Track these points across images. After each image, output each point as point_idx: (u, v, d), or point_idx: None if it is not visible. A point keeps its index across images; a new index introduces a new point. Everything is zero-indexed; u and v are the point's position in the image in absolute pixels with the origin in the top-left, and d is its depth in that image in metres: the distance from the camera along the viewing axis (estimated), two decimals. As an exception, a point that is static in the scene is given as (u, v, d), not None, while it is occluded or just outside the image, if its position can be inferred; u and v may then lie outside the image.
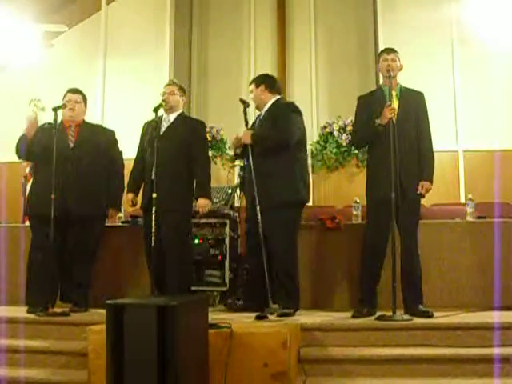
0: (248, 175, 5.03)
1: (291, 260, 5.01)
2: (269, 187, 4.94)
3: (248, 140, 5.02)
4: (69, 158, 5.21)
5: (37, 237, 5.25)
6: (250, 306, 5.01)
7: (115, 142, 5.60)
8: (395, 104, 4.86)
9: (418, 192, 4.89)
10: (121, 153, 5.59)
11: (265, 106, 5.26)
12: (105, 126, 6.31)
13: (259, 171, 4.92)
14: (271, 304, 4.69)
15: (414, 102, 5.04)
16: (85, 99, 5.54)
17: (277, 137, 5.03)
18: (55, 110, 5.12)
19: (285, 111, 5.17)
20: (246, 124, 5.16)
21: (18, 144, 5.32)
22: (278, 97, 5.33)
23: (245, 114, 5.15)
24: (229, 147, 8.84)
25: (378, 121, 4.80)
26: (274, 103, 5.26)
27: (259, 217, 4.79)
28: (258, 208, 4.81)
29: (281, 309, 4.73)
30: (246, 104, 5.16)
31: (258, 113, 5.38)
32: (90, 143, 5.37)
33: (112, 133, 5.65)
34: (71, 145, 5.32)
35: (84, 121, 5.53)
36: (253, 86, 5.32)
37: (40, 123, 5.35)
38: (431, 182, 4.93)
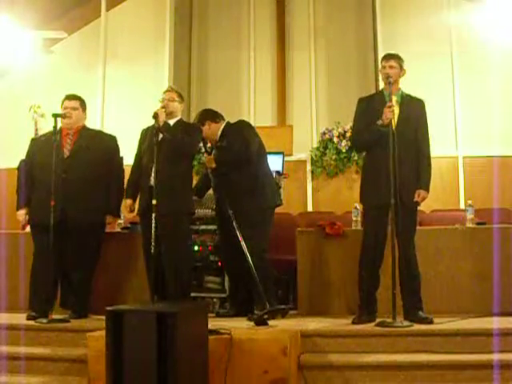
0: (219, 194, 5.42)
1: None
2: (241, 200, 5.28)
3: (213, 164, 5.34)
4: (64, 167, 5.18)
5: (37, 245, 5.27)
6: (235, 312, 5.33)
7: (116, 148, 5.57)
8: (395, 109, 4.86)
9: (415, 200, 4.89)
10: (121, 159, 5.57)
11: (217, 136, 5.53)
12: (104, 132, 6.29)
13: (228, 188, 5.30)
14: (268, 306, 4.77)
15: (414, 109, 5.04)
16: (82, 104, 5.50)
17: (238, 155, 5.37)
18: (55, 116, 5.13)
19: (235, 130, 5.52)
20: (206, 151, 5.53)
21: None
22: (225, 122, 5.62)
23: (204, 143, 5.53)
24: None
25: (379, 122, 4.80)
26: (223, 129, 5.54)
27: (237, 230, 5.08)
28: (234, 222, 5.12)
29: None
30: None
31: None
32: (87, 150, 5.33)
33: (113, 138, 5.61)
34: (67, 153, 5.29)
35: (84, 126, 5.52)
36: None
37: (40, 130, 5.35)
38: (427, 190, 4.92)
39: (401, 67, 5.03)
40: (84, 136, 5.43)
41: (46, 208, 4.93)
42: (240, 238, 5.03)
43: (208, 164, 5.41)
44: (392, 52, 5.18)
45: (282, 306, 4.87)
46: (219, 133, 5.52)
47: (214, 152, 5.48)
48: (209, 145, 5.57)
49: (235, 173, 5.32)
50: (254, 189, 5.36)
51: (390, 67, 4.99)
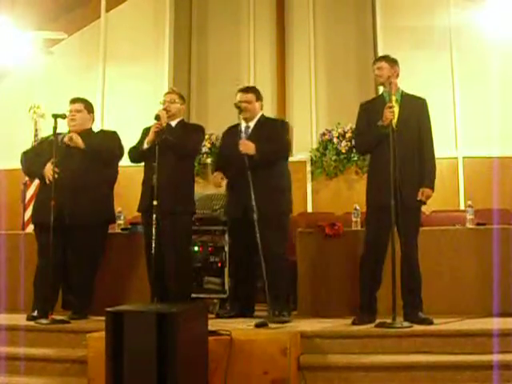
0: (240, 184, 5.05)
1: (287, 265, 5.19)
2: (271, 199, 5.06)
3: (252, 151, 5.05)
4: (66, 167, 5.19)
5: (40, 245, 5.26)
6: (235, 314, 5.23)
7: (114, 138, 5.53)
8: (396, 109, 4.87)
9: (419, 199, 4.90)
10: (122, 148, 5.52)
11: (254, 119, 5.37)
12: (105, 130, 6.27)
13: (259, 183, 4.93)
14: (271, 312, 4.70)
15: (415, 108, 5.05)
16: (88, 107, 5.51)
17: (279, 151, 5.27)
18: (55, 117, 5.14)
19: (280, 124, 5.51)
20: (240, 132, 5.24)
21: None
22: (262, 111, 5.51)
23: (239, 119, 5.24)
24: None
25: (379, 122, 4.81)
26: (260, 118, 5.42)
27: (256, 227, 4.80)
28: (255, 216, 4.81)
29: (277, 315, 4.76)
30: (241, 110, 5.22)
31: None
32: (89, 149, 5.33)
33: (112, 133, 5.61)
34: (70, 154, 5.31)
35: (90, 129, 5.53)
36: (252, 97, 5.37)
37: (40, 130, 5.36)
38: (432, 188, 4.93)
39: (391, 66, 5.05)
40: (86, 137, 5.40)
41: (47, 208, 4.95)
42: (257, 239, 4.81)
43: (244, 148, 5.03)
44: (382, 55, 5.27)
45: (287, 319, 4.80)
46: (256, 117, 5.39)
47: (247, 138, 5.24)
48: None
49: (267, 169, 5.14)
50: (284, 189, 5.30)
51: (378, 69, 5.08)
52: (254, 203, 4.80)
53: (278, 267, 5.03)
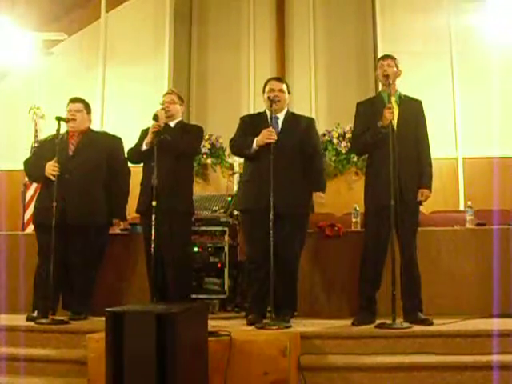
0: (260, 176, 4.89)
1: (298, 267, 5.08)
2: (294, 194, 4.95)
3: (323, 198, 5.15)
4: (68, 167, 5.22)
5: (41, 246, 5.28)
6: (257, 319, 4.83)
7: (120, 148, 5.58)
8: (395, 110, 4.87)
9: (418, 199, 4.91)
10: (126, 160, 5.55)
11: (282, 111, 5.20)
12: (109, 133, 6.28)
13: (282, 177, 4.83)
14: (272, 317, 4.65)
15: (413, 110, 5.07)
16: (87, 107, 5.55)
17: (322, 164, 5.41)
18: (58, 119, 5.17)
19: (312, 121, 5.33)
20: (271, 120, 5.02)
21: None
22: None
23: (271, 111, 5.03)
24: (227, 154, 8.82)
25: (379, 123, 4.81)
26: (287, 111, 5.25)
27: (271, 223, 4.66)
28: (271, 214, 4.66)
29: (280, 320, 4.68)
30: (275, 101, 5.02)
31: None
32: (90, 151, 5.38)
33: (117, 140, 5.64)
34: (70, 153, 5.34)
35: (89, 129, 5.56)
36: (285, 87, 5.23)
37: (40, 131, 5.37)
38: (430, 189, 4.95)
39: (397, 67, 5.05)
40: (88, 137, 5.48)
41: (49, 208, 4.98)
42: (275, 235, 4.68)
43: (268, 136, 4.87)
44: (388, 53, 5.22)
45: (290, 325, 4.75)
46: (285, 110, 5.20)
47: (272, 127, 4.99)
48: None
49: (294, 165, 5.03)
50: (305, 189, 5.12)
51: (388, 65, 5.02)
52: (279, 198, 4.69)
53: (293, 270, 5.00)
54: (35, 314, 5.06)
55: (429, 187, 4.94)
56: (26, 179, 6.99)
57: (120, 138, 5.65)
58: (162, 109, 5.29)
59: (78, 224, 5.19)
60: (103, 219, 5.40)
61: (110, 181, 5.44)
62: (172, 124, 5.37)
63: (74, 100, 5.51)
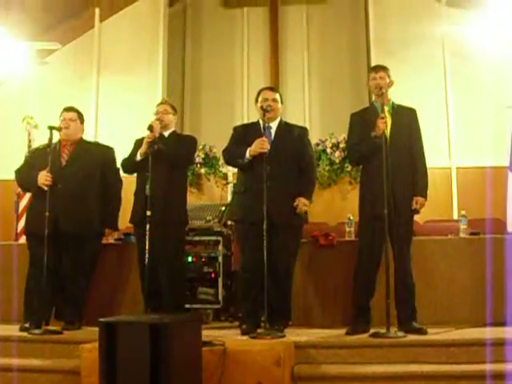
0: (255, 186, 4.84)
1: (292, 277, 5.06)
2: (288, 204, 4.93)
3: (307, 207, 5.02)
4: (60, 176, 5.21)
5: (32, 255, 5.26)
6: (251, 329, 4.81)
7: (112, 159, 5.59)
8: (388, 120, 4.88)
9: (413, 207, 4.91)
10: (118, 170, 5.57)
11: (275, 120, 5.19)
12: (101, 143, 6.28)
13: (276, 186, 4.81)
14: (266, 327, 4.63)
15: (406, 119, 5.09)
16: (80, 117, 5.54)
17: (314, 179, 5.28)
18: (51, 128, 5.16)
19: (305, 137, 5.25)
20: (264, 130, 5.00)
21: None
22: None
23: (264, 121, 5.00)
24: (221, 164, 8.82)
25: (372, 133, 4.82)
26: (281, 121, 5.23)
27: (265, 233, 4.63)
28: (265, 224, 4.62)
29: (274, 330, 4.66)
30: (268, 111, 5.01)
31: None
32: (82, 161, 5.38)
33: (109, 150, 5.65)
34: (63, 163, 5.33)
35: (81, 139, 5.55)
36: (278, 97, 5.23)
37: (33, 141, 5.37)
38: (425, 197, 4.95)
39: (389, 78, 5.07)
40: (81, 147, 5.48)
41: (41, 218, 4.96)
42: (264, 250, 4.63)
43: (260, 146, 4.86)
44: (380, 64, 5.25)
45: (284, 334, 4.73)
46: (278, 120, 5.18)
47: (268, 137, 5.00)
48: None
49: (288, 174, 5.01)
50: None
51: (381, 78, 5.04)
52: (272, 208, 4.68)
53: (287, 279, 4.99)
54: (27, 324, 5.04)
55: (424, 195, 4.95)
56: (19, 189, 6.98)
57: (112, 149, 5.66)
58: (157, 119, 5.29)
59: (71, 233, 5.18)
60: (96, 229, 5.40)
61: (102, 191, 5.44)
62: (166, 134, 5.38)
63: (68, 109, 5.51)
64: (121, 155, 5.51)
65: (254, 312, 4.92)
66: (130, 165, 5.35)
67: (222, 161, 8.75)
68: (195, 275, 5.71)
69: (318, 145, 8.91)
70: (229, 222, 5.80)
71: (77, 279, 5.26)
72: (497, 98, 8.57)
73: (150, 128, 5.12)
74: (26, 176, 5.40)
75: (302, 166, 5.07)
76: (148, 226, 4.87)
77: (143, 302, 5.06)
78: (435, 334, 4.54)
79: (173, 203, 5.19)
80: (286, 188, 4.95)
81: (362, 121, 5.12)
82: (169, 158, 5.17)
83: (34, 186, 5.21)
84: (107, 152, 5.63)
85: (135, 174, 5.40)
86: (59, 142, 5.43)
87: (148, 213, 4.88)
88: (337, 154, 8.79)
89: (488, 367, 4.03)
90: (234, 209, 5.22)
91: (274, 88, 5.56)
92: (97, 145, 5.93)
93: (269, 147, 4.85)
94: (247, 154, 4.93)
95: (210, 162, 9.11)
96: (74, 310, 5.26)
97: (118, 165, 5.56)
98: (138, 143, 5.35)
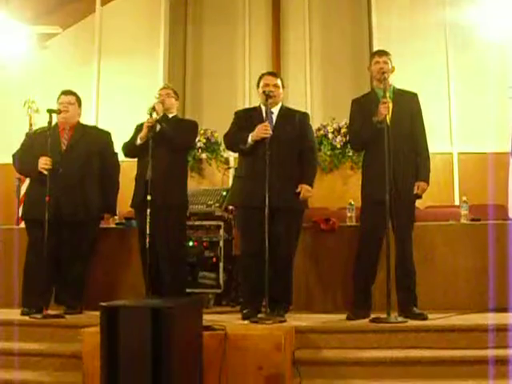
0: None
1: (293, 261, 5.06)
2: (290, 189, 4.91)
3: (310, 193, 4.98)
4: (61, 161, 5.20)
5: (31, 240, 5.26)
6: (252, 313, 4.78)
7: (110, 143, 5.60)
8: (389, 104, 4.86)
9: (414, 192, 4.90)
10: (116, 154, 5.58)
11: (277, 105, 5.17)
12: (99, 127, 6.28)
13: (278, 171, 4.81)
14: (267, 312, 4.63)
15: (407, 103, 5.07)
16: (78, 100, 5.53)
17: (316, 163, 5.30)
18: (50, 112, 5.13)
19: (306, 122, 5.22)
20: (266, 115, 4.97)
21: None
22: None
23: (266, 106, 4.98)
24: (222, 149, 8.80)
25: (374, 118, 4.80)
26: (282, 106, 5.22)
27: (266, 218, 4.62)
28: (266, 209, 4.61)
29: (275, 314, 4.67)
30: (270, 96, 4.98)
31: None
32: (82, 145, 5.37)
33: (107, 134, 5.64)
34: (63, 148, 5.32)
35: (79, 122, 5.53)
36: (280, 82, 5.21)
37: (34, 125, 5.35)
38: (427, 182, 4.94)
39: (391, 63, 5.05)
40: (80, 131, 5.46)
41: (40, 203, 4.94)
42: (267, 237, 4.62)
43: (263, 131, 4.82)
44: (382, 49, 5.22)
45: (285, 319, 4.72)
46: (279, 105, 5.18)
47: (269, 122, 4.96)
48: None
49: (290, 159, 5.00)
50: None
51: (384, 62, 5.02)
52: (274, 193, 4.66)
53: (288, 264, 4.99)
54: (27, 309, 5.05)
55: (426, 180, 4.94)
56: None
57: (109, 133, 5.67)
58: (160, 101, 5.29)
59: (71, 218, 5.19)
60: (95, 213, 5.41)
61: (100, 175, 5.44)
62: (168, 117, 5.39)
63: (66, 92, 5.49)
64: (121, 139, 5.50)
65: (255, 296, 4.91)
66: (130, 149, 5.35)
67: (223, 146, 8.71)
68: (196, 260, 5.72)
69: (319, 130, 8.89)
70: (230, 207, 5.78)
71: (76, 263, 5.27)
72: (499, 84, 8.54)
73: (152, 110, 5.12)
74: (25, 160, 5.37)
75: (304, 151, 5.06)
76: (149, 211, 4.88)
77: (144, 286, 5.07)
78: (436, 320, 4.54)
79: (173, 187, 5.19)
80: (288, 173, 4.93)
81: (363, 106, 5.10)
82: (170, 139, 5.16)
83: (34, 171, 5.18)
84: (105, 136, 5.62)
85: (136, 159, 5.40)
86: (56, 125, 5.40)
87: (148, 197, 4.89)
88: (338, 138, 8.77)
89: (490, 353, 4.03)
90: (235, 193, 5.19)
91: (275, 73, 5.52)
92: (94, 129, 5.94)
93: (271, 132, 4.83)
94: (249, 139, 4.91)
95: (211, 146, 9.10)
96: (73, 293, 5.27)
97: (116, 149, 5.56)
98: (139, 127, 5.34)
